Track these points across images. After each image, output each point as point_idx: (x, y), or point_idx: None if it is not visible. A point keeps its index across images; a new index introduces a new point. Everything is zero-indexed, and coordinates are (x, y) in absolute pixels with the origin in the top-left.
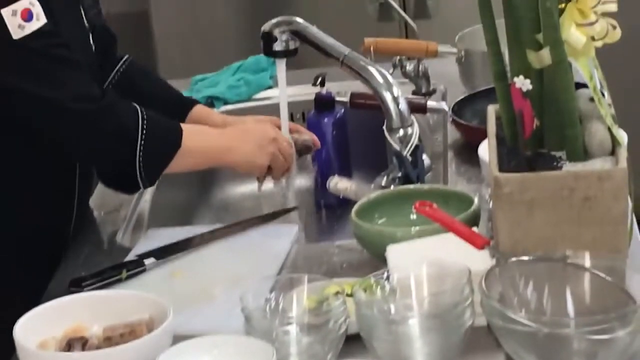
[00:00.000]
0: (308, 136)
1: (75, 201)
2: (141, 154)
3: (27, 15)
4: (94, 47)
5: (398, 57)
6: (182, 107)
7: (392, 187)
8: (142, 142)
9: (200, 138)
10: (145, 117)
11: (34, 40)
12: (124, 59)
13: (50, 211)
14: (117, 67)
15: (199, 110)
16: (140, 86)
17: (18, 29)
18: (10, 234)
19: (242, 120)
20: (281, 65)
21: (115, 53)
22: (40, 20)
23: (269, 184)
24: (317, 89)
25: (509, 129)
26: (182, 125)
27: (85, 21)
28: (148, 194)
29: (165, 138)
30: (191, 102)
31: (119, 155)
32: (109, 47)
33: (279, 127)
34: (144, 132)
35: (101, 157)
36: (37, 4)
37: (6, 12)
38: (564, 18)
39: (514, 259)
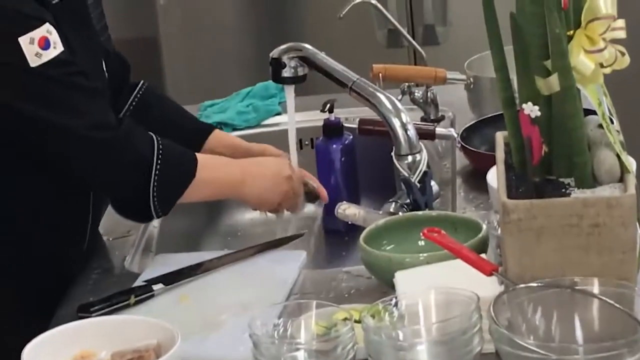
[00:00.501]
0: (316, 184)
1: (89, 228)
2: (155, 183)
3: (45, 44)
4: (106, 74)
5: (407, 84)
6: (200, 133)
7: (400, 213)
8: (157, 171)
9: (215, 170)
10: (160, 146)
11: (51, 68)
12: (139, 85)
13: (64, 238)
14: (134, 94)
15: (217, 135)
16: (158, 113)
17: (35, 57)
18: (24, 260)
19: (263, 146)
20: (290, 91)
21: (129, 80)
22: (57, 48)
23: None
24: (326, 115)
25: (518, 155)
26: (198, 155)
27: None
28: (157, 220)
29: (180, 168)
30: (209, 128)
31: (134, 184)
32: (124, 74)
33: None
34: (159, 161)
35: (115, 186)
36: (55, 32)
37: (24, 40)
38: (573, 45)
39: (522, 285)
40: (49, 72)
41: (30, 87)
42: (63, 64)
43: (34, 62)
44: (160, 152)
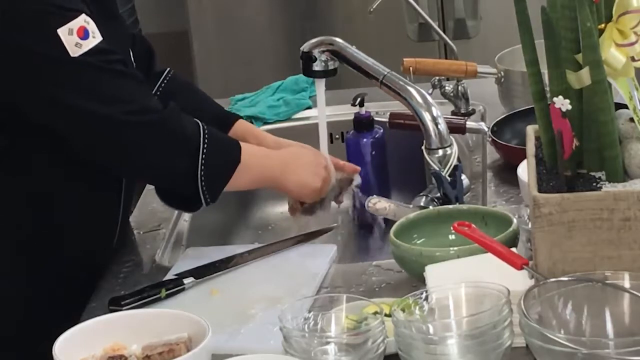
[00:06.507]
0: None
1: (119, 222)
2: (203, 167)
3: (84, 34)
4: (134, 63)
5: (437, 78)
6: (225, 121)
7: (430, 207)
8: (204, 155)
9: (257, 156)
10: (206, 130)
11: (92, 57)
12: (165, 72)
13: (95, 232)
14: (160, 81)
15: (241, 125)
16: (183, 101)
17: (75, 47)
18: (55, 254)
19: (288, 142)
20: (320, 85)
21: (155, 66)
22: (96, 37)
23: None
24: (356, 109)
25: (548, 149)
26: (240, 142)
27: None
28: (187, 213)
29: (226, 152)
30: (234, 117)
31: (182, 168)
32: (149, 60)
33: None
34: (206, 145)
35: (163, 171)
36: (92, 22)
37: (62, 31)
38: (604, 38)
39: (552, 279)
40: (90, 61)
41: (73, 78)
42: (103, 52)
43: (74, 52)
44: (207, 136)
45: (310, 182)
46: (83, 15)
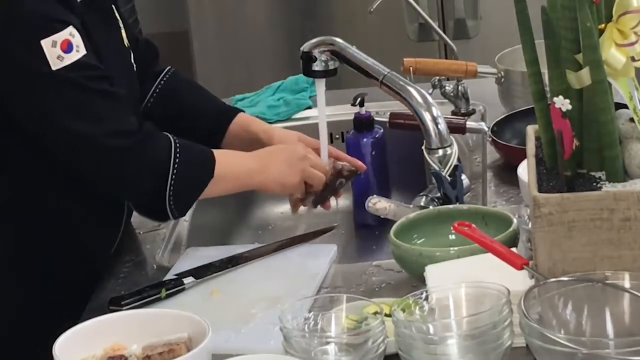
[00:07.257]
0: (348, 160)
1: (123, 224)
2: (172, 188)
3: (67, 47)
4: (134, 65)
5: (437, 78)
6: (224, 116)
7: (431, 207)
8: (173, 177)
9: (231, 163)
10: (178, 150)
11: (72, 71)
12: (165, 71)
13: (97, 234)
14: (159, 79)
15: (242, 118)
16: (181, 98)
17: (57, 60)
18: (56, 256)
19: (285, 132)
20: (320, 85)
21: (156, 66)
22: (80, 52)
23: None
24: (356, 109)
25: (548, 149)
26: (214, 152)
27: (126, 40)
28: (187, 213)
29: (198, 170)
30: (234, 111)
31: (149, 191)
32: (152, 60)
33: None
34: (176, 167)
35: (132, 191)
36: (78, 35)
37: (46, 42)
38: (604, 38)
39: (553, 279)
40: (69, 75)
41: (51, 91)
42: (85, 68)
43: (55, 65)
44: (177, 157)
45: (288, 178)
46: (69, 28)
